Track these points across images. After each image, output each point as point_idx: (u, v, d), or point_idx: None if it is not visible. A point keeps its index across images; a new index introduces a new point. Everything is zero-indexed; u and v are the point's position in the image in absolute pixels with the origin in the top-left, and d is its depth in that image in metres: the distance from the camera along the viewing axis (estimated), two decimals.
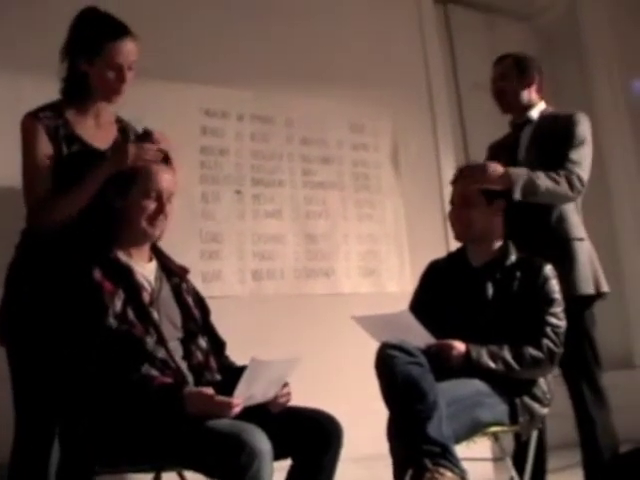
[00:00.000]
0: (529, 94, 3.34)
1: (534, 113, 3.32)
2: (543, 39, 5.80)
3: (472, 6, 5.48)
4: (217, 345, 2.46)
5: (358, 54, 4.42)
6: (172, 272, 2.43)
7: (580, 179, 3.07)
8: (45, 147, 2.42)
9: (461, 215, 2.85)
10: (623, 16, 5.11)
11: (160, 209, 2.34)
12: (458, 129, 5.14)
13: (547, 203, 3.09)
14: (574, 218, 3.18)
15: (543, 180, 3.00)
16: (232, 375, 2.20)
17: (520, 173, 2.98)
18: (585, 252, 3.15)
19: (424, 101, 4.77)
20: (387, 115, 4.50)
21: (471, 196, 2.83)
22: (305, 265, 3.98)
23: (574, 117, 3.22)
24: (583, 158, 3.14)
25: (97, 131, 2.55)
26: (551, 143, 3.16)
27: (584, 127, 3.21)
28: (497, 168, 2.91)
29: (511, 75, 3.33)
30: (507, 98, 3.35)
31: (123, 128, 2.67)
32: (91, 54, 2.47)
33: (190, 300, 2.43)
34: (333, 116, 4.26)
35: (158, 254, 2.45)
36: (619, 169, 5.12)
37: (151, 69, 3.61)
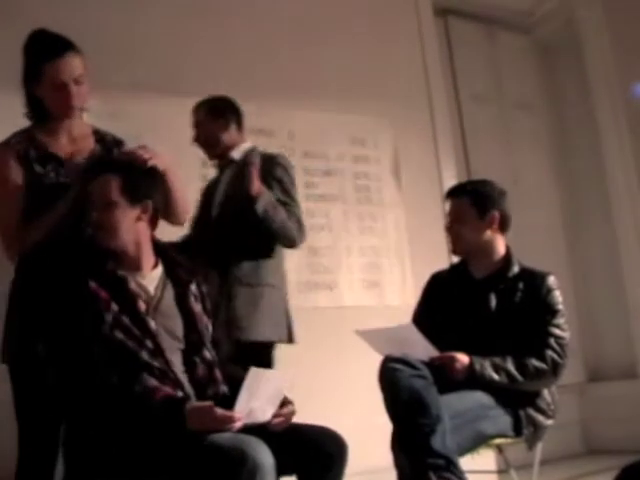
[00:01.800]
0: (229, 136, 3.28)
1: (236, 153, 3.27)
2: (543, 50, 5.82)
3: (472, 18, 5.50)
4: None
5: (359, 67, 4.43)
6: (178, 279, 2.38)
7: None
8: (15, 177, 2.42)
9: (453, 230, 2.86)
10: (622, 27, 5.12)
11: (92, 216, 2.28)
12: (459, 140, 5.15)
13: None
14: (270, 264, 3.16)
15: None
16: (238, 385, 2.19)
17: None
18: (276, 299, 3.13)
19: (425, 113, 4.78)
20: (388, 128, 4.51)
21: (462, 211, 2.82)
22: (308, 278, 3.99)
23: (278, 159, 3.23)
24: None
25: (72, 146, 2.54)
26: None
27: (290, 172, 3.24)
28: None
29: (206, 121, 3.29)
30: (206, 143, 3.32)
31: (101, 138, 2.65)
32: (36, 78, 2.47)
33: (199, 307, 2.37)
34: (334, 129, 4.27)
35: (166, 259, 2.41)
36: (619, 180, 5.12)
37: (151, 84, 3.65)
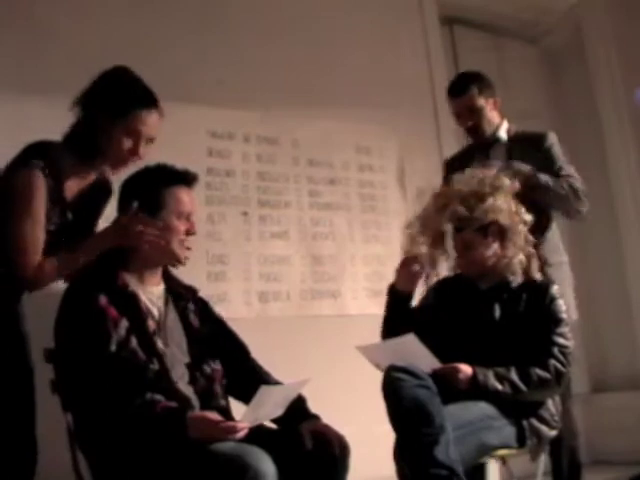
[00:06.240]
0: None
1: (502, 133, 3.45)
2: (548, 60, 5.82)
3: (478, 27, 5.50)
4: (238, 350, 2.45)
5: (364, 75, 4.43)
6: (179, 295, 2.42)
7: (584, 190, 3.25)
8: (41, 204, 2.27)
9: (471, 258, 2.81)
10: (628, 37, 5.13)
11: (190, 229, 2.36)
12: None
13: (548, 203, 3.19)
14: (553, 240, 3.28)
15: (544, 176, 3.16)
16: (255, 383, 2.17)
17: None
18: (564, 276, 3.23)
19: (430, 122, 4.78)
20: (393, 136, 4.50)
21: (468, 240, 2.80)
22: (311, 286, 3.98)
23: (548, 136, 3.38)
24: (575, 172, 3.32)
25: (80, 185, 2.46)
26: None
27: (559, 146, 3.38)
28: None
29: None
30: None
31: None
32: (115, 114, 2.35)
33: (197, 322, 2.41)
34: (339, 137, 4.27)
35: (166, 276, 2.44)
36: (625, 189, 5.11)
37: (157, 91, 3.64)
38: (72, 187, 2.42)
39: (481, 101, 3.42)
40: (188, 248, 2.37)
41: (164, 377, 2.18)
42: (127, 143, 2.38)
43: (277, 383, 2.29)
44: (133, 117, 2.36)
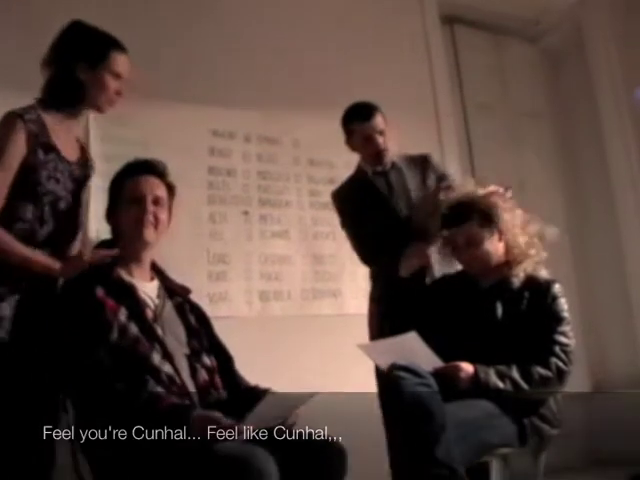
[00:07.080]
0: None
1: (396, 158, 3.44)
2: (549, 59, 5.82)
3: (478, 27, 5.50)
4: (224, 359, 2.46)
5: (364, 74, 4.43)
6: (174, 291, 2.44)
7: None
8: (14, 158, 2.31)
9: (475, 254, 2.81)
10: (629, 35, 5.13)
11: (144, 211, 2.35)
12: (465, 148, 5.14)
13: None
14: None
15: None
16: (242, 395, 2.20)
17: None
18: None
19: (430, 121, 4.78)
20: (394, 136, 4.50)
21: (474, 235, 2.78)
22: (312, 286, 3.98)
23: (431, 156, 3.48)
24: None
25: (67, 141, 2.49)
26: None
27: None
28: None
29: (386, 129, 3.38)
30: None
31: (82, 147, 2.62)
32: (95, 60, 2.45)
33: (193, 318, 2.43)
34: (340, 137, 4.25)
35: (159, 274, 2.46)
36: (626, 188, 5.11)
37: (159, 90, 3.65)
38: (60, 134, 2.45)
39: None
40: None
41: (168, 362, 2.19)
42: (114, 84, 2.49)
43: (259, 397, 2.24)
44: (112, 59, 2.48)
